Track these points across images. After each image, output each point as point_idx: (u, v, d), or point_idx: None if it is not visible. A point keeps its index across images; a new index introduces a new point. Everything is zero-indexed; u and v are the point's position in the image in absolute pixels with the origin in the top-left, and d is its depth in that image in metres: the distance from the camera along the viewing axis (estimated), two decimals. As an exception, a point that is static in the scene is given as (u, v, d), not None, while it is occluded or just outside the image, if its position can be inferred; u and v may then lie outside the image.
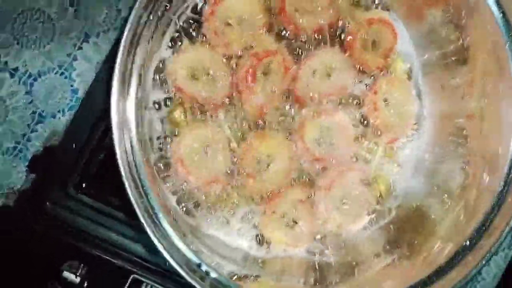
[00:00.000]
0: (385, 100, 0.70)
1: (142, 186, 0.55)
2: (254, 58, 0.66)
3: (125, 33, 0.54)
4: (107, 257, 0.69)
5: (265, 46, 0.67)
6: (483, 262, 0.59)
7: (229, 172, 0.68)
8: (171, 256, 0.55)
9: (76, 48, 0.72)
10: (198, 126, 0.67)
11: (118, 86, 0.55)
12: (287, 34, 0.70)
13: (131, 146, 0.55)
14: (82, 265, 0.67)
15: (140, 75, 0.57)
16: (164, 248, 0.54)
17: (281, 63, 0.67)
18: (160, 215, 0.55)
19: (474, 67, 0.65)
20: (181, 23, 0.66)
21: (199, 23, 0.67)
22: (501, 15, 0.58)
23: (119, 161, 0.54)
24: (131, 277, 0.68)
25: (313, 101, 0.70)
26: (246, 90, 0.67)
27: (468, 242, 0.61)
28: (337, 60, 0.69)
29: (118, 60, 0.55)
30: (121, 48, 0.55)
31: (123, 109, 0.56)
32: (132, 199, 0.54)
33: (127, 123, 0.56)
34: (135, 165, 0.55)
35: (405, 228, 0.72)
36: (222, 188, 0.68)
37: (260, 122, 0.70)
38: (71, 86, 0.72)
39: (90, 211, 0.70)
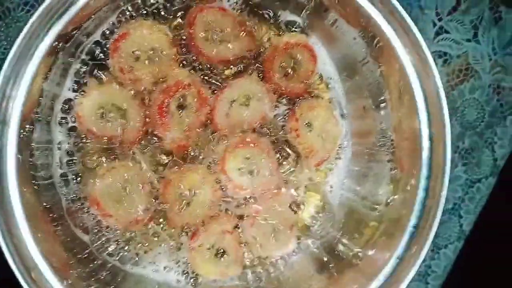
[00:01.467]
0: (308, 125, 0.68)
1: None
2: (166, 93, 0.64)
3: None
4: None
5: (178, 79, 0.64)
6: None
7: (150, 209, 0.67)
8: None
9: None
10: (113, 166, 0.65)
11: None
12: (201, 65, 0.66)
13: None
14: None
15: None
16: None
17: (196, 96, 0.65)
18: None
19: (390, 92, 0.63)
20: (84, 62, 0.63)
21: (105, 60, 0.64)
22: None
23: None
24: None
25: (233, 131, 0.68)
26: (161, 126, 0.65)
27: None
28: (254, 88, 0.67)
29: None
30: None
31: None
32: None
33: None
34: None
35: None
36: (144, 226, 0.67)
37: (180, 155, 0.68)
38: None
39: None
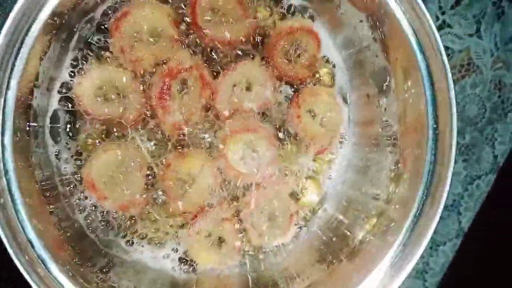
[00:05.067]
0: (310, 111, 0.67)
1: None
2: (167, 75, 0.62)
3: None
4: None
5: (180, 61, 0.62)
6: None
7: (147, 193, 0.65)
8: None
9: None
10: (110, 148, 0.63)
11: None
12: (203, 47, 0.65)
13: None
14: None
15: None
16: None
17: (198, 78, 0.64)
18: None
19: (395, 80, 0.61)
20: (84, 41, 0.62)
21: (105, 40, 0.62)
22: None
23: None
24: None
25: (235, 116, 0.66)
26: (162, 109, 0.63)
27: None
28: (257, 72, 0.66)
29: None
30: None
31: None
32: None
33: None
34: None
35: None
36: (141, 211, 0.65)
37: (180, 140, 0.66)
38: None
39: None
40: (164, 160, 0.66)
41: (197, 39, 0.64)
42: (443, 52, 0.55)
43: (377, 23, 0.60)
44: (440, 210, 0.60)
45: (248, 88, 0.66)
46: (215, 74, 0.66)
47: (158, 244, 0.67)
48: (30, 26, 0.55)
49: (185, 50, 0.64)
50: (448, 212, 0.95)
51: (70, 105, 0.63)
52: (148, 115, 0.65)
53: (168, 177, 0.65)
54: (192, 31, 0.64)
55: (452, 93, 0.57)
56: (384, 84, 0.65)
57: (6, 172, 0.53)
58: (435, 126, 0.61)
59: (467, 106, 0.92)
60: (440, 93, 0.57)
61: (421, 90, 0.60)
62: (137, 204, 0.64)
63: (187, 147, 0.66)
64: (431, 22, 0.55)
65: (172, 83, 0.63)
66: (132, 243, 0.67)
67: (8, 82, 0.55)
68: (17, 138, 0.56)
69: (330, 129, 0.69)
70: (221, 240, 0.68)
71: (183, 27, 0.64)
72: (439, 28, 0.88)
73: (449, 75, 0.56)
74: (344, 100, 0.70)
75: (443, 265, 0.95)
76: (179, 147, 0.66)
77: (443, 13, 0.87)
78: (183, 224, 0.68)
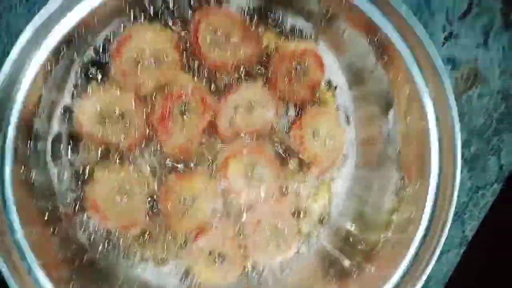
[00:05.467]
0: (313, 133, 0.67)
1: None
2: (169, 99, 0.63)
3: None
4: None
5: (181, 85, 0.63)
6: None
7: (148, 214, 0.66)
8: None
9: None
10: (113, 169, 0.64)
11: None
12: (205, 70, 0.65)
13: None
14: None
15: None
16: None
17: (199, 101, 0.64)
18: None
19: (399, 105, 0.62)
20: (86, 65, 0.62)
21: (106, 64, 0.63)
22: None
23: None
24: None
25: (237, 138, 0.67)
26: (163, 132, 0.64)
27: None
28: (259, 94, 0.66)
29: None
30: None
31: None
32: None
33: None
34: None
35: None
36: (142, 230, 0.66)
37: (182, 161, 0.67)
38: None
39: None
40: (165, 180, 0.66)
41: (199, 63, 0.64)
42: (447, 83, 0.55)
43: (380, 50, 0.60)
44: (449, 219, 0.61)
45: (250, 110, 0.66)
46: (217, 96, 0.66)
47: (160, 262, 0.68)
48: (35, 53, 0.55)
49: (186, 73, 0.64)
50: (452, 221, 0.95)
51: (71, 128, 0.63)
52: (150, 137, 0.65)
53: (169, 197, 0.66)
54: (194, 55, 0.64)
55: (456, 119, 0.57)
56: (388, 106, 0.65)
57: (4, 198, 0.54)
58: (439, 146, 0.61)
59: (474, 116, 0.91)
60: (443, 116, 0.56)
61: (423, 115, 0.60)
62: (139, 224, 0.65)
63: (188, 168, 0.67)
64: (432, 51, 0.55)
65: (173, 106, 0.63)
66: (134, 261, 0.68)
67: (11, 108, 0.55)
68: (18, 161, 0.57)
69: (334, 150, 0.69)
70: (223, 258, 0.69)
71: (185, 50, 0.63)
72: (446, 39, 0.87)
73: (451, 97, 0.55)
74: (347, 119, 0.70)
75: (446, 273, 0.96)
76: (180, 169, 0.67)
77: (450, 24, 0.86)
78: (186, 242, 0.68)
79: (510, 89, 0.91)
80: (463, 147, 0.92)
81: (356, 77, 0.67)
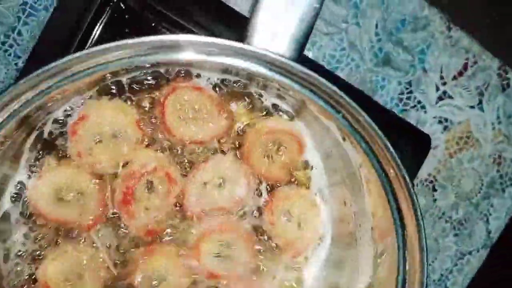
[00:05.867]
0: (286, 215, 0.62)
1: None
2: (130, 178, 0.57)
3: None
4: None
5: (143, 163, 0.58)
6: None
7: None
8: None
9: None
10: (67, 249, 0.59)
11: None
12: (170, 145, 0.60)
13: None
14: None
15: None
16: None
17: (164, 179, 0.58)
18: None
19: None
20: (43, 141, 0.56)
21: (64, 140, 0.57)
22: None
23: None
24: None
25: (206, 215, 0.61)
26: (126, 214, 0.59)
27: None
28: (230, 169, 0.60)
29: None
30: None
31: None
32: None
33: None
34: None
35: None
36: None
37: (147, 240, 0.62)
38: None
39: None
40: (127, 258, 0.61)
41: (164, 138, 0.59)
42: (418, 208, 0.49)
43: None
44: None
45: (220, 186, 0.61)
46: (184, 172, 0.60)
47: None
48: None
49: (148, 149, 0.59)
50: (435, 287, 0.91)
51: (23, 206, 0.58)
52: (111, 217, 0.60)
53: (134, 274, 0.61)
54: (160, 130, 0.58)
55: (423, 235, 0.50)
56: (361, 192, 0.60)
57: None
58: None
59: (463, 180, 0.86)
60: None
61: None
62: None
63: (156, 245, 0.62)
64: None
65: (136, 186, 0.58)
66: None
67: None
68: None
69: (308, 231, 0.64)
70: None
71: (147, 126, 0.58)
72: (439, 99, 0.82)
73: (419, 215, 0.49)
74: (323, 199, 0.65)
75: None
76: (145, 245, 0.61)
77: (444, 84, 0.81)
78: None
79: (503, 153, 0.86)
80: (450, 210, 0.88)
81: (332, 159, 0.62)
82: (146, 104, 0.57)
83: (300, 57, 0.42)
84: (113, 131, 0.56)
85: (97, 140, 0.56)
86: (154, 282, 0.61)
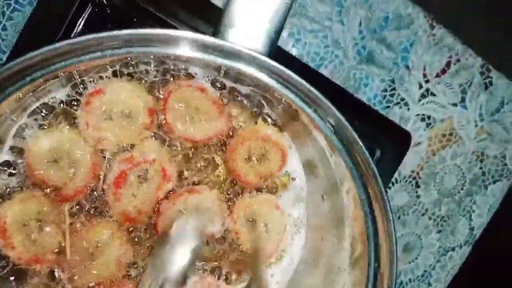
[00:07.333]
0: (250, 223, 0.63)
1: None
2: (127, 163, 0.58)
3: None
4: None
5: (144, 150, 0.58)
6: None
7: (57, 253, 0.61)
8: None
9: None
10: (33, 195, 0.58)
11: None
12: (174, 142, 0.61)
13: None
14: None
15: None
16: None
17: (159, 172, 0.60)
18: None
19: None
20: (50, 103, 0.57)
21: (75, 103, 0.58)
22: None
23: None
24: None
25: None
26: (113, 195, 0.59)
27: None
28: (211, 205, 0.62)
29: None
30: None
31: None
32: None
33: None
34: None
35: None
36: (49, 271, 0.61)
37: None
38: None
39: None
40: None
41: (166, 133, 0.60)
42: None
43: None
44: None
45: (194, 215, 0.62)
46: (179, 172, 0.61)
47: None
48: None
49: (153, 141, 0.60)
50: (418, 283, 0.92)
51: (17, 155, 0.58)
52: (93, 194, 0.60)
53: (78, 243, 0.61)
54: (163, 125, 0.60)
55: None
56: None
57: None
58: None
59: (446, 176, 0.87)
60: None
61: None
62: (45, 262, 0.60)
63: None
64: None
65: (131, 171, 0.59)
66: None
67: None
68: None
69: (274, 233, 0.65)
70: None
71: (157, 117, 0.59)
72: (422, 96, 0.83)
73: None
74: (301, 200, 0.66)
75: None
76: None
77: (427, 81, 0.81)
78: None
79: (486, 150, 0.87)
80: (433, 207, 0.89)
81: (313, 172, 0.63)
82: (160, 94, 0.58)
83: (272, 52, 0.43)
84: (125, 112, 0.57)
85: (108, 116, 0.56)
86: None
